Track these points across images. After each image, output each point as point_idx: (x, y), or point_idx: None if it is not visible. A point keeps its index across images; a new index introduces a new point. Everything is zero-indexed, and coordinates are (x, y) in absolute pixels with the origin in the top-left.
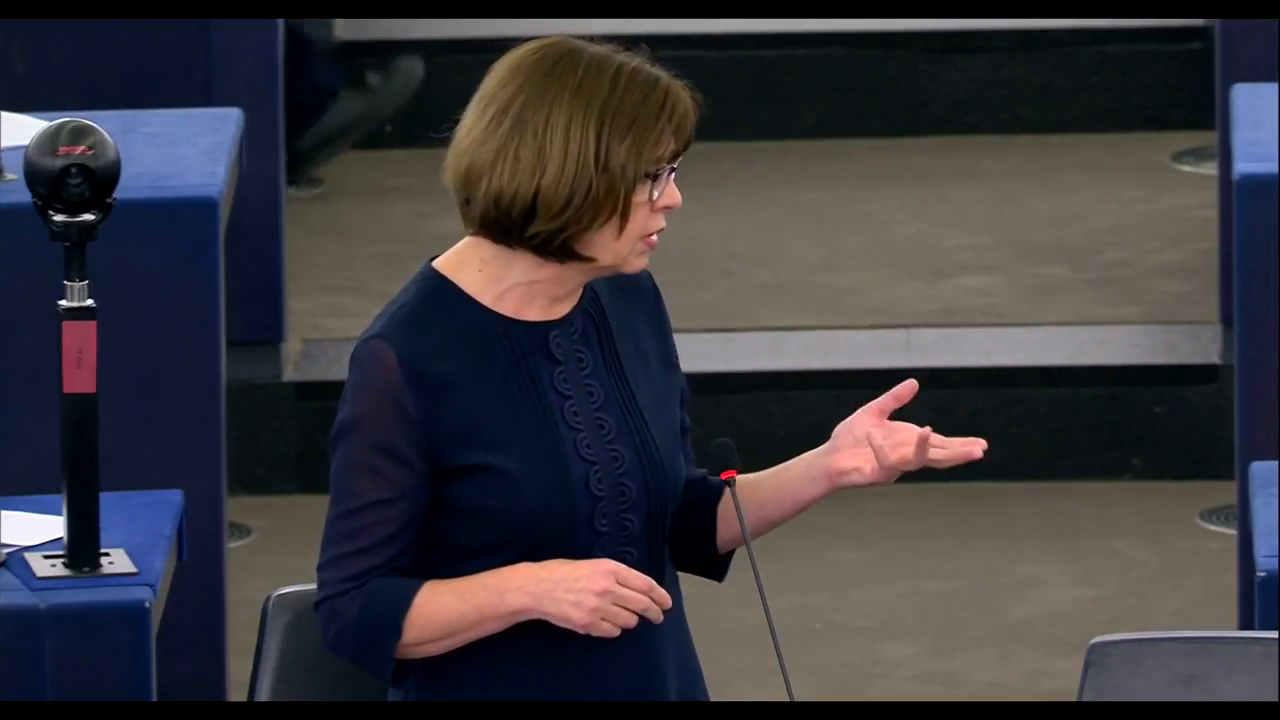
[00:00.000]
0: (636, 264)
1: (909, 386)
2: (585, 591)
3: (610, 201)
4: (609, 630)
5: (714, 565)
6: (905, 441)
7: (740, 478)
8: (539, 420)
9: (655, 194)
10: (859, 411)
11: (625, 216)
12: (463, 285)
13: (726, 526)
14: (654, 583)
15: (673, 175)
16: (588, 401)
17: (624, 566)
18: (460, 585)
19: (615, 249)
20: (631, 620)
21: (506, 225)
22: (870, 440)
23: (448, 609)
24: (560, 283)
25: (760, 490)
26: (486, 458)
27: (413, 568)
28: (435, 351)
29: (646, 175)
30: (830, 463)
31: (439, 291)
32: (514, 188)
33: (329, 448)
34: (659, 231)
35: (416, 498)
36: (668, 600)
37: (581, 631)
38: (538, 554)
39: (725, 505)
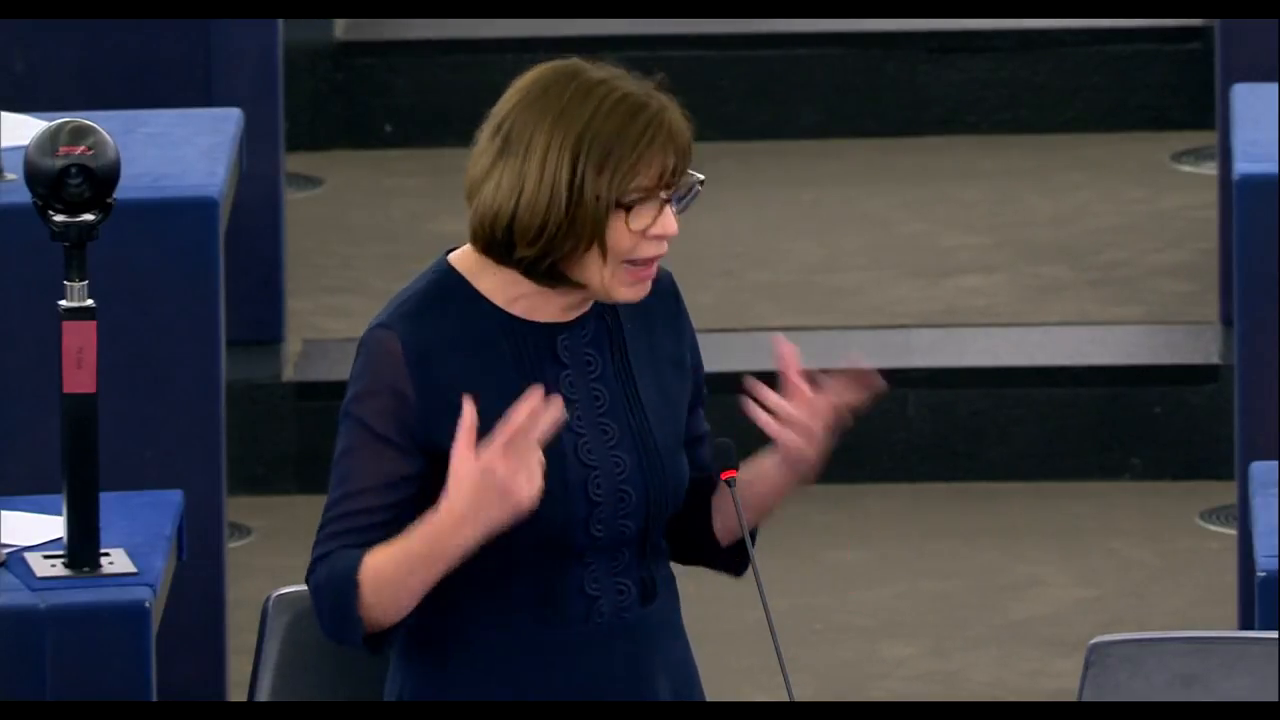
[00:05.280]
0: (623, 294)
1: (786, 350)
2: (494, 489)
3: (587, 230)
4: (537, 476)
5: (724, 560)
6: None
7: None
8: None
9: (634, 223)
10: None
11: (604, 245)
12: (478, 284)
13: (720, 517)
14: (521, 410)
15: (669, 204)
16: (593, 406)
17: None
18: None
19: (601, 275)
20: (535, 448)
21: (496, 245)
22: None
23: (393, 554)
24: (568, 294)
25: (754, 485)
26: None
27: None
28: (440, 342)
29: (619, 205)
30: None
31: (451, 285)
32: (495, 209)
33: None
34: (653, 259)
35: (408, 488)
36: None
37: (533, 500)
38: (532, 555)
39: (718, 498)
